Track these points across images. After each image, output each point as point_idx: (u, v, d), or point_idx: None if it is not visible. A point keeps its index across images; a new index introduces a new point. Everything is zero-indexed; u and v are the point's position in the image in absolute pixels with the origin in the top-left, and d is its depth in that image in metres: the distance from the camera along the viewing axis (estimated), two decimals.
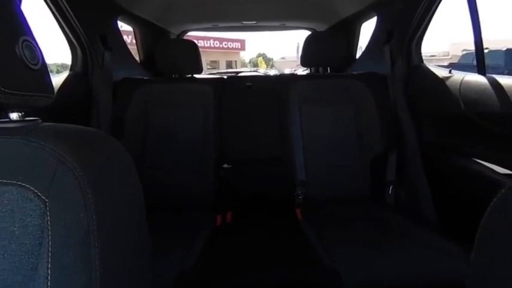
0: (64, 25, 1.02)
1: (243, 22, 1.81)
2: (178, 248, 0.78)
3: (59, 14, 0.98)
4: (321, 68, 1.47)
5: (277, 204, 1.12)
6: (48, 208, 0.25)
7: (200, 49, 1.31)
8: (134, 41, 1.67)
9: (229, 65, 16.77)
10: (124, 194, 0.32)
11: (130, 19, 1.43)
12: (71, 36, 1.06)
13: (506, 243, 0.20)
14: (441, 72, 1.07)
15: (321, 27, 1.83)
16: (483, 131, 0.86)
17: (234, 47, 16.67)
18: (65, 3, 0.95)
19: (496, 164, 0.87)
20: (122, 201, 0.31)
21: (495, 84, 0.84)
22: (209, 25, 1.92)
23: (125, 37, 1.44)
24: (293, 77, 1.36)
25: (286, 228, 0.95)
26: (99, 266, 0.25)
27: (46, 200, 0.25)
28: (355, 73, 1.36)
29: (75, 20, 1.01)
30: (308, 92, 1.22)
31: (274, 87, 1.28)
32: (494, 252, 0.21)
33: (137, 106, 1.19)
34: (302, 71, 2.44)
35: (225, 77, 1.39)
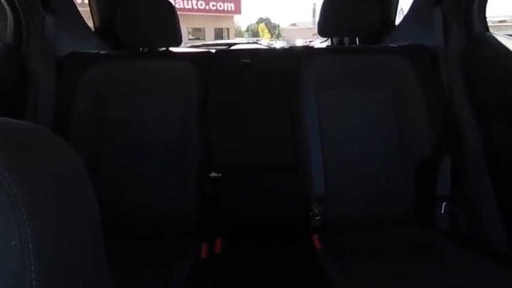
0: None
1: None
2: None
3: None
4: (346, 39, 1.46)
5: (286, 228, 1.11)
6: None
7: (179, 12, 1.30)
8: (87, 2, 1.66)
9: (219, 34, 16.82)
10: (72, 213, 0.31)
11: None
12: None
13: None
14: None
15: None
16: None
17: (226, 9, 16.71)
18: None
19: None
20: (69, 222, 0.30)
21: None
22: None
23: None
24: (308, 51, 1.35)
25: (298, 263, 0.95)
26: None
27: None
28: (394, 45, 1.37)
29: None
30: (328, 73, 1.22)
31: (281, 66, 1.27)
32: None
33: (90, 91, 1.18)
34: (320, 43, 2.44)
35: (213, 50, 1.39)
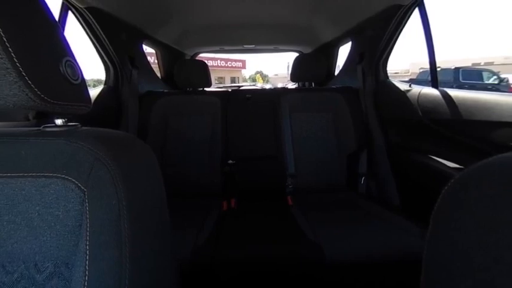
0: (100, 49, 1.02)
1: (244, 46, 1.81)
2: (193, 228, 0.78)
3: (95, 40, 0.98)
4: (307, 83, 1.47)
5: (272, 192, 1.11)
6: (86, 196, 0.25)
7: (209, 67, 1.31)
8: (156, 61, 1.67)
9: (233, 80, 16.75)
10: (148, 185, 0.31)
11: (152, 43, 1.43)
12: (105, 57, 1.06)
13: (454, 223, 0.20)
14: (403, 86, 1.08)
15: (307, 50, 1.83)
16: (436, 134, 0.86)
17: (237, 65, 16.64)
18: (100, 30, 0.95)
19: (447, 160, 0.87)
20: (146, 191, 0.31)
21: (446, 96, 0.84)
22: (216, 48, 1.92)
23: (148, 58, 1.43)
24: (284, 90, 1.36)
25: (279, 212, 0.95)
26: (128, 243, 0.25)
27: (85, 189, 0.25)
28: (334, 87, 1.36)
29: (108, 44, 1.01)
30: (297, 102, 1.22)
31: (269, 98, 1.28)
32: (444, 230, 0.21)
33: (158, 114, 1.18)
34: (292, 85, 2.44)
35: (230, 90, 1.39)
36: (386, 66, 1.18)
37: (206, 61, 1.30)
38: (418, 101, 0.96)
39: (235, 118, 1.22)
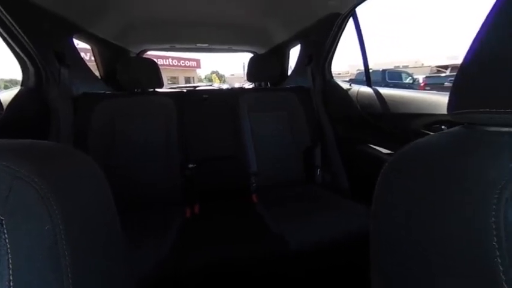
0: (11, 42, 0.81)
1: (197, 44, 1.73)
2: (154, 240, 0.71)
3: (4, 30, 0.78)
4: (262, 83, 1.51)
5: (236, 192, 1.11)
6: (4, 225, 0.19)
7: (160, 66, 1.20)
8: (94, 59, 1.44)
9: (187, 80, 15.91)
10: (91, 201, 0.27)
11: (87, 37, 1.23)
12: (20, 53, 0.85)
13: (389, 200, 0.24)
14: (345, 85, 1.21)
15: (261, 51, 1.88)
16: (373, 126, 1.00)
17: (191, 65, 15.85)
18: (10, 18, 0.76)
19: (383, 147, 1.02)
20: (90, 208, 0.26)
21: (378, 93, 0.99)
22: (166, 46, 1.78)
23: (82, 54, 1.23)
24: (242, 90, 1.36)
25: (245, 211, 0.95)
26: (70, 272, 0.21)
27: (2, 217, 0.19)
28: (288, 87, 1.43)
29: (24, 36, 0.81)
30: (254, 102, 1.23)
31: (226, 99, 1.26)
32: (382, 208, 0.25)
33: (101, 117, 1.02)
34: (248, 85, 2.47)
35: (185, 90, 1.31)
36: (330, 68, 1.31)
37: (156, 60, 1.19)
38: (357, 98, 1.10)
39: (192, 119, 1.16)
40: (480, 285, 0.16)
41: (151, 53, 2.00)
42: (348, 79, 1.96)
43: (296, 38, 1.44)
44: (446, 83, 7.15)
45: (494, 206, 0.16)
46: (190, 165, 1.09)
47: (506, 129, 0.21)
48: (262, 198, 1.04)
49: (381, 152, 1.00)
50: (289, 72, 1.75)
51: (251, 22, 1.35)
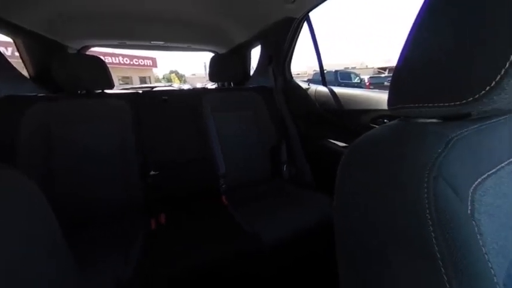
0: None
1: (152, 42, 1.60)
2: (115, 260, 0.63)
3: None
4: (226, 83, 1.49)
5: (206, 196, 1.07)
6: None
7: (109, 65, 1.07)
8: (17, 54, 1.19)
9: (143, 80, 14.63)
10: (26, 225, 0.22)
11: (8, 28, 1.01)
12: None
13: (347, 189, 0.27)
14: (304, 85, 1.29)
15: (222, 50, 1.85)
16: (330, 121, 1.09)
17: (146, 64, 14.59)
18: None
19: (339, 141, 1.11)
20: (23, 234, 0.22)
21: (332, 92, 1.08)
22: (114, 42, 1.59)
23: (2, 49, 1.01)
24: (204, 90, 1.32)
25: (215, 214, 0.92)
26: None
27: None
28: (252, 86, 1.45)
29: None
30: (218, 102, 1.20)
31: (188, 99, 1.20)
32: (341, 197, 0.27)
33: (33, 124, 0.86)
34: (211, 85, 2.41)
35: (140, 91, 1.20)
36: (290, 68, 1.38)
37: (103, 57, 1.06)
38: (315, 96, 1.18)
39: (151, 122, 1.08)
40: (418, 252, 0.19)
41: (96, 50, 1.76)
42: (306, 79, 2.09)
43: (256, 39, 1.47)
44: (385, 83, 8.33)
45: (425, 184, 0.19)
46: (152, 172, 1.00)
47: (430, 120, 0.25)
48: (232, 198, 1.04)
49: (339, 146, 1.10)
50: (252, 73, 1.78)
51: (209, 21, 1.32)
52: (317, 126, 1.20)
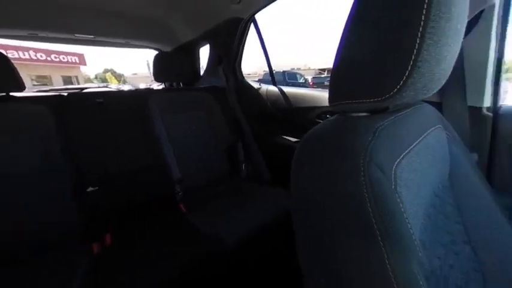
0: None
1: (76, 35, 1.35)
2: None
3: None
4: (174, 83, 1.39)
5: (160, 207, 0.98)
6: None
7: (16, 61, 0.84)
8: None
9: (68, 81, 12.21)
10: None
11: None
12: None
13: (300, 181, 0.29)
14: (255, 85, 1.33)
15: (166, 48, 1.73)
16: (282, 119, 1.17)
17: (70, 61, 12.18)
18: None
19: (292, 137, 1.18)
20: None
21: (282, 91, 1.16)
22: (22, 33, 1.27)
23: None
24: (150, 91, 1.20)
25: (173, 224, 0.86)
26: None
27: None
28: (203, 87, 1.41)
29: None
30: (167, 104, 1.12)
31: (131, 102, 1.08)
32: (296, 188, 0.30)
33: None
34: (158, 86, 2.21)
35: (65, 93, 1.00)
36: (241, 68, 1.40)
37: (4, 51, 0.83)
38: (267, 96, 1.23)
39: (83, 130, 0.92)
40: (362, 229, 0.23)
41: None
42: (257, 79, 2.16)
43: (204, 38, 1.43)
44: (325, 82, 9.40)
45: (362, 169, 0.23)
46: (90, 189, 0.86)
47: (362, 114, 0.30)
48: (191, 203, 0.98)
49: (292, 141, 1.18)
50: (202, 72, 1.73)
51: (151, 15, 1.21)
52: (270, 124, 1.26)
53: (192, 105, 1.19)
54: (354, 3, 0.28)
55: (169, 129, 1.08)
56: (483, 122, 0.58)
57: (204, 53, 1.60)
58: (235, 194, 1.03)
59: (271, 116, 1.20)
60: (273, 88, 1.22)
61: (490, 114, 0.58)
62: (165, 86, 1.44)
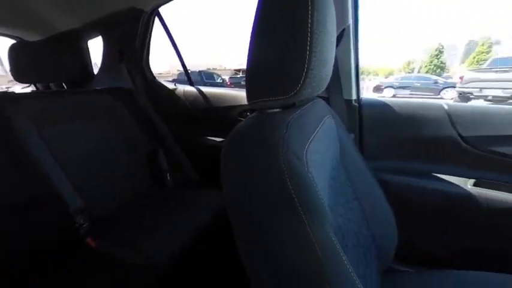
0: None
1: None
2: None
3: None
4: (52, 84, 1.06)
5: (61, 248, 0.73)
6: None
7: None
8: None
9: None
10: None
11: None
12: None
13: (230, 179, 0.30)
14: (170, 85, 1.23)
15: (31, 37, 1.27)
16: (205, 119, 1.14)
17: None
18: None
19: (218, 137, 1.18)
20: None
21: (201, 91, 1.13)
22: None
23: None
24: (11, 97, 0.85)
25: (80, 268, 0.67)
26: None
27: None
28: (99, 88, 1.14)
29: None
30: (47, 112, 0.83)
31: None
32: (225, 187, 0.31)
33: None
34: (22, 88, 1.60)
35: None
36: (149, 67, 1.25)
37: None
38: (185, 96, 1.17)
39: None
40: (288, 210, 0.26)
41: None
42: (171, 79, 1.99)
43: (94, 28, 1.16)
44: (242, 82, 9.97)
45: (281, 158, 0.27)
46: None
47: (276, 110, 0.35)
48: (104, 232, 0.78)
49: (217, 141, 1.17)
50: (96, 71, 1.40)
51: None
52: (192, 125, 1.21)
53: (87, 113, 0.95)
54: (257, 7, 0.31)
55: (55, 146, 0.81)
56: (353, 110, 0.80)
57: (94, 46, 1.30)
58: (162, 207, 0.92)
59: (192, 117, 1.15)
60: (190, 88, 1.17)
61: (357, 104, 0.80)
62: (37, 88, 1.07)
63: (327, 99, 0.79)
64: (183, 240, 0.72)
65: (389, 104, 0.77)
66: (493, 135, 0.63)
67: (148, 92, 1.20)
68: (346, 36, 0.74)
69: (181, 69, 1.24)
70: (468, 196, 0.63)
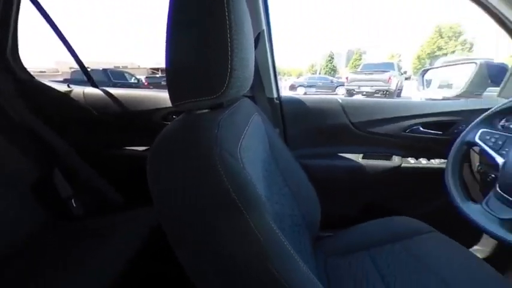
0: None
1: None
2: None
3: None
4: None
5: None
6: None
7: None
8: None
9: None
10: None
11: None
12: None
13: (165, 187, 0.28)
14: (62, 88, 0.96)
15: None
16: (117, 126, 0.96)
17: None
18: None
19: (134, 145, 1.02)
20: None
21: (109, 94, 0.95)
22: None
23: None
24: None
25: None
26: None
27: None
28: None
29: None
30: None
31: None
32: (163, 197, 0.29)
33: None
34: None
35: None
36: (21, 62, 0.93)
37: None
38: (85, 100, 0.95)
39: None
40: (228, 207, 0.26)
41: None
42: (61, 79, 1.56)
43: None
44: (162, 82, 9.03)
45: (216, 157, 0.26)
46: None
47: (204, 110, 0.34)
48: None
49: (140, 151, 1.02)
50: None
51: None
52: (102, 134, 1.00)
53: None
54: (170, 3, 0.29)
55: None
56: (276, 107, 0.90)
57: None
58: (73, 243, 0.72)
59: (102, 125, 0.95)
60: (93, 90, 0.96)
61: (278, 102, 0.90)
62: None
63: (252, 98, 0.84)
64: (112, 274, 0.60)
65: (303, 100, 0.91)
66: (369, 120, 0.87)
67: (25, 95, 0.89)
68: (262, 39, 0.81)
69: (76, 66, 0.99)
70: (361, 167, 0.86)
